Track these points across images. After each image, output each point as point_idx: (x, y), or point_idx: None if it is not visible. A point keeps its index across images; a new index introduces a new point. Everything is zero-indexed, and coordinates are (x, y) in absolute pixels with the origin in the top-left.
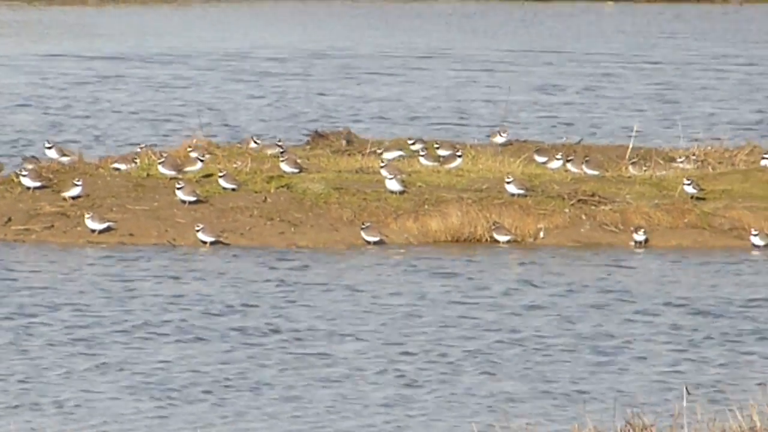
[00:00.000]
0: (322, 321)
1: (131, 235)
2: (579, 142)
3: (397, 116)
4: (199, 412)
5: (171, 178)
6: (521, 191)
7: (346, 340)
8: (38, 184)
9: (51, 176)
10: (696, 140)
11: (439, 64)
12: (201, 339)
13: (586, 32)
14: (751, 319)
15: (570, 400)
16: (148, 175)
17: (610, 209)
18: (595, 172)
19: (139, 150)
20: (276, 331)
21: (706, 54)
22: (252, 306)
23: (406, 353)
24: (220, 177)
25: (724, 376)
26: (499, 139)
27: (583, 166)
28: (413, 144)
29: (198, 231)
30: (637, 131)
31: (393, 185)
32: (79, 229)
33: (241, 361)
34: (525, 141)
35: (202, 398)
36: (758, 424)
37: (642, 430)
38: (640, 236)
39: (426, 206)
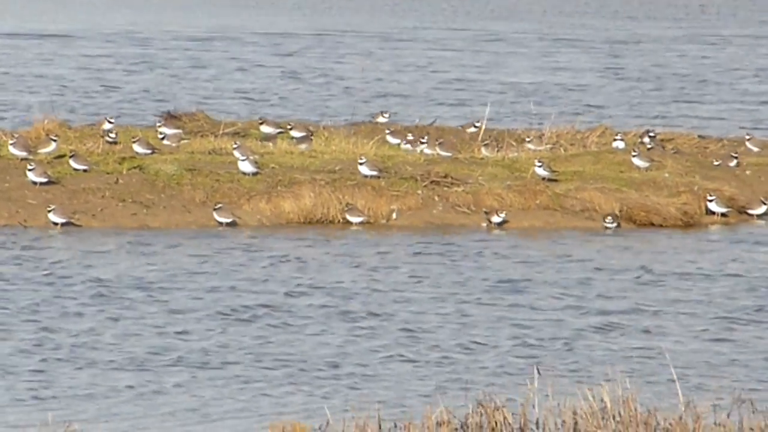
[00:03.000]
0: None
1: None
2: (432, 123)
3: (256, 97)
4: None
5: (22, 159)
6: (374, 172)
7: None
8: None
9: None
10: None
11: (296, 46)
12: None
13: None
14: (602, 300)
15: (423, 382)
16: None
17: (463, 191)
18: (448, 154)
19: None
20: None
21: (563, 34)
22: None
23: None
24: (71, 158)
25: (576, 357)
26: (382, 119)
27: (437, 148)
28: (262, 124)
29: (49, 212)
30: (488, 117)
31: (245, 166)
32: None
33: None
34: (376, 122)
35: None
36: (609, 404)
37: (494, 411)
38: (497, 218)
39: (279, 187)
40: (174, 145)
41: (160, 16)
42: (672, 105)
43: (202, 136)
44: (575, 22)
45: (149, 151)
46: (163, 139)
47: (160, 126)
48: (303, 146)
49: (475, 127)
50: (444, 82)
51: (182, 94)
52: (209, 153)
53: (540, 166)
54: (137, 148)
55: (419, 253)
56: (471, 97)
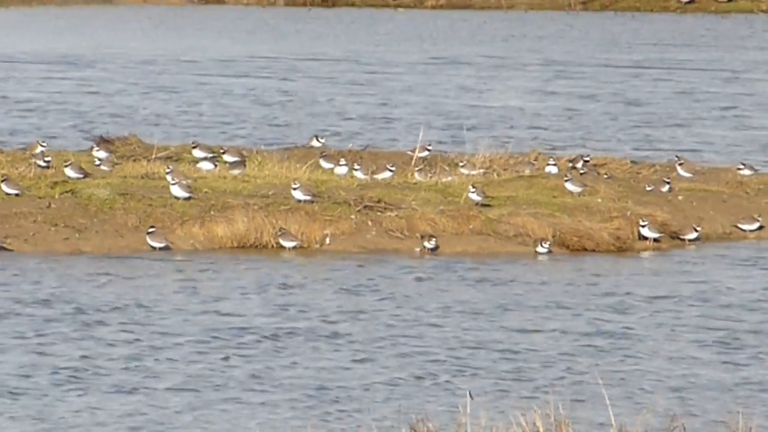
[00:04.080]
0: None
1: None
2: (365, 148)
3: (186, 122)
4: None
5: None
6: (307, 197)
7: None
8: None
9: None
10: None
11: (229, 71)
12: None
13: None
14: (534, 325)
15: (353, 404)
16: None
17: (396, 215)
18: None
19: None
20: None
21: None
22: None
23: None
24: (2, 182)
25: (509, 382)
26: (316, 144)
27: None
28: (195, 148)
29: None
30: (426, 143)
31: (178, 191)
32: None
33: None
34: (311, 147)
35: None
36: (541, 429)
37: None
38: (430, 244)
39: (212, 212)
40: (108, 169)
41: (101, 40)
42: (611, 130)
43: (134, 160)
44: (520, 47)
45: (81, 176)
46: (99, 164)
47: (95, 150)
48: (236, 171)
49: (428, 150)
50: (381, 105)
51: (116, 117)
52: (142, 177)
53: (473, 192)
54: (69, 172)
55: (350, 279)
56: (404, 119)
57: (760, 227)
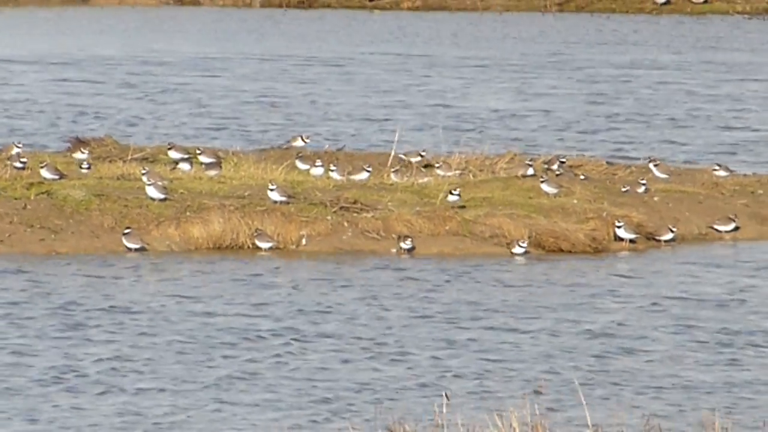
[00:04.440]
0: None
1: None
2: (341, 149)
3: (161, 123)
4: None
5: None
6: (284, 198)
7: None
8: None
9: None
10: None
11: (206, 72)
12: None
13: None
14: (512, 325)
15: (331, 405)
16: None
17: (372, 216)
18: (359, 178)
19: None
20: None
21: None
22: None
23: None
24: None
25: (487, 383)
26: (301, 143)
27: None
28: (171, 149)
29: None
30: (420, 149)
31: (153, 192)
32: None
33: None
34: (288, 147)
35: None
36: (517, 429)
37: None
38: (406, 245)
39: (188, 213)
40: (88, 171)
41: (77, 42)
42: (588, 131)
43: (110, 161)
44: (498, 48)
45: (57, 177)
46: (81, 165)
47: (71, 152)
48: (212, 172)
49: (421, 156)
50: (360, 106)
51: (93, 118)
52: (118, 178)
53: (454, 194)
54: (45, 173)
55: (328, 279)
56: (381, 120)
57: (736, 228)
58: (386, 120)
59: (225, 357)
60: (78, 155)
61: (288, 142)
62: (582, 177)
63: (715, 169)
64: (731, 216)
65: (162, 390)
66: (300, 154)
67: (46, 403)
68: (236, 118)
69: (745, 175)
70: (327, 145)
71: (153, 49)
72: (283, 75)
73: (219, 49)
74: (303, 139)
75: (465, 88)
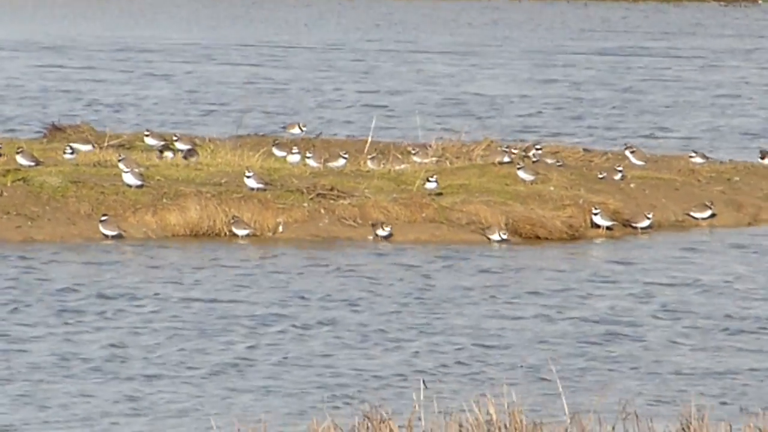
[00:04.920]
0: None
1: None
2: (318, 136)
3: (138, 110)
4: None
5: None
6: (260, 185)
7: None
8: None
9: None
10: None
11: (181, 58)
12: None
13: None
14: (489, 313)
15: (312, 393)
16: None
17: (349, 203)
18: (336, 165)
19: None
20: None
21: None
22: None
23: None
24: None
25: (463, 370)
26: (297, 131)
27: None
28: (147, 136)
29: None
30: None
31: (130, 179)
32: None
33: None
34: (264, 135)
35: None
36: (495, 416)
37: (379, 423)
38: (383, 232)
39: (164, 200)
40: (69, 157)
41: (50, 28)
42: (568, 118)
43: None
44: (479, 35)
45: (33, 163)
46: (65, 151)
47: (47, 139)
48: (189, 159)
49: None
50: (335, 90)
51: (71, 104)
52: (94, 165)
53: (432, 181)
54: (21, 160)
55: (306, 266)
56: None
57: (712, 215)
58: (373, 106)
59: (207, 344)
60: (74, 144)
61: (284, 128)
62: (558, 164)
63: (692, 156)
64: (707, 203)
65: (158, 376)
66: (276, 141)
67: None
68: (223, 104)
69: (721, 162)
70: (304, 131)
71: (128, 35)
72: (270, 61)
73: (205, 35)
74: (300, 127)
75: (446, 73)
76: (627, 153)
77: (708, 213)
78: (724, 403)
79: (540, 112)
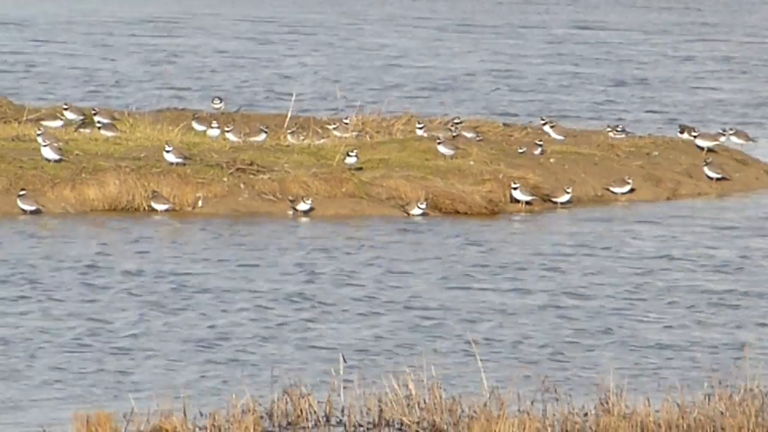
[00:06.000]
0: None
1: None
2: (238, 110)
3: (66, 84)
4: None
5: None
6: (180, 160)
7: None
8: None
9: None
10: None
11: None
12: None
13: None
14: (410, 290)
15: (229, 368)
16: None
17: (269, 178)
18: (257, 140)
19: None
20: None
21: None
22: None
23: None
24: None
25: (383, 345)
26: (216, 105)
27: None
28: (66, 110)
29: None
30: (296, 100)
31: (49, 153)
32: None
33: None
34: (183, 109)
35: None
36: (414, 392)
37: (299, 398)
38: (303, 206)
39: (83, 175)
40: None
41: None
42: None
43: (5, 122)
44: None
45: None
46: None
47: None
48: (108, 133)
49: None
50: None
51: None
52: (12, 140)
53: (352, 156)
54: None
55: (221, 238)
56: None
57: (631, 190)
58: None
59: (119, 316)
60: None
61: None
62: (478, 138)
63: (611, 131)
64: (626, 178)
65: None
66: (196, 116)
67: None
68: (142, 78)
69: (640, 136)
70: (222, 106)
71: (60, 7)
72: (236, 37)
73: (171, 10)
74: (214, 102)
75: (377, 45)
76: (546, 128)
77: (627, 188)
78: (637, 376)
79: (498, 89)
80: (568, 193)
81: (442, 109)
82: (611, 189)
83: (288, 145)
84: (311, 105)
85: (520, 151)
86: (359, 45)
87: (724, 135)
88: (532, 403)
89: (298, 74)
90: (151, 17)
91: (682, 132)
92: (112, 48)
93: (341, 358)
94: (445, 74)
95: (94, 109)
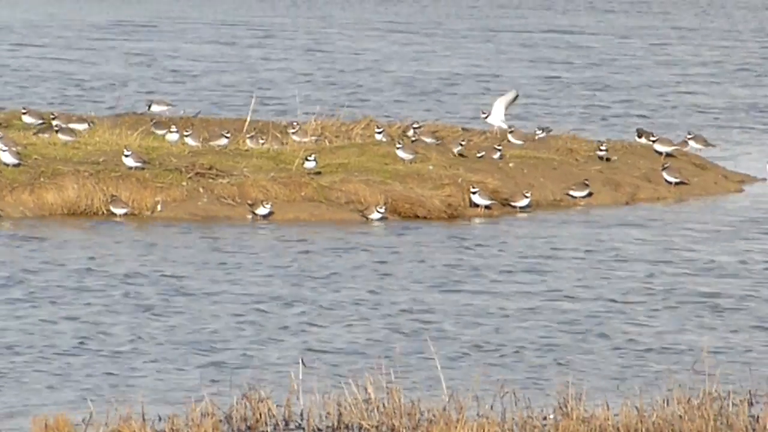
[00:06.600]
0: None
1: None
2: (197, 114)
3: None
4: None
5: None
6: (139, 164)
7: None
8: None
9: None
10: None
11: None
12: None
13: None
14: (361, 293)
15: (187, 374)
16: None
17: (228, 182)
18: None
19: None
20: None
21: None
22: None
23: None
24: None
25: (341, 347)
26: (156, 108)
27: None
28: (25, 114)
29: None
30: (254, 107)
31: (7, 157)
32: None
33: None
34: (142, 113)
35: None
36: (373, 395)
37: (258, 402)
38: (262, 210)
39: (42, 179)
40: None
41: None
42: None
43: None
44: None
45: None
46: None
47: None
48: (66, 137)
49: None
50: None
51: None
52: None
53: (311, 160)
54: None
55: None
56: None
57: (590, 194)
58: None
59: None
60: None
61: (149, 107)
62: (437, 143)
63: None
64: (585, 182)
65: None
66: (155, 120)
67: None
68: (99, 81)
69: (599, 141)
70: (182, 111)
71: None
72: (204, 41)
73: (139, 12)
74: (153, 106)
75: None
76: (507, 132)
77: (586, 192)
78: (598, 378)
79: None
80: (527, 197)
81: (430, 115)
82: (570, 193)
83: (247, 150)
84: (277, 108)
85: (479, 155)
86: (336, 49)
87: (688, 141)
88: (491, 406)
89: (270, 78)
90: (124, 20)
91: (640, 136)
92: (88, 51)
93: (300, 362)
94: (424, 78)
95: (52, 113)
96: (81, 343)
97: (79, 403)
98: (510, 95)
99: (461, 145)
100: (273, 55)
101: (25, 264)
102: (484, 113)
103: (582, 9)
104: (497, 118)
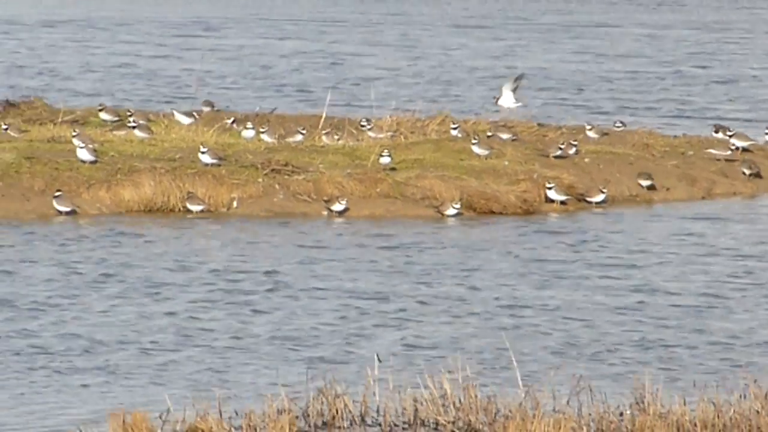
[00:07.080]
0: None
1: None
2: (272, 111)
3: (86, 86)
4: None
5: None
6: (215, 161)
7: None
8: None
9: None
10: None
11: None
12: None
13: None
14: (446, 289)
15: (262, 369)
16: None
17: (304, 179)
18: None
19: None
20: None
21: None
22: None
23: None
24: None
25: (419, 343)
26: (206, 109)
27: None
28: (102, 111)
29: None
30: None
31: (84, 154)
32: None
33: None
34: (219, 110)
35: None
36: (449, 391)
37: (334, 398)
38: (338, 206)
39: (119, 176)
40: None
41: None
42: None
43: (40, 124)
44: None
45: None
46: (7, 129)
47: (0, 116)
48: (143, 134)
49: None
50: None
51: (25, 80)
52: (48, 141)
53: (386, 156)
54: None
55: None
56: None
57: (652, 186)
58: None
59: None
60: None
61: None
62: (513, 138)
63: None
64: (647, 173)
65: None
66: (233, 117)
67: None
68: (172, 79)
69: (675, 136)
70: (258, 108)
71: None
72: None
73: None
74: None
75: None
76: (585, 128)
77: (649, 183)
78: (676, 379)
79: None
80: (603, 192)
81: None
82: (640, 183)
83: (322, 146)
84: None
85: (557, 153)
86: (423, 45)
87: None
88: (567, 402)
89: (346, 75)
90: (197, 18)
91: (716, 131)
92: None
93: (376, 358)
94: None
95: (129, 111)
96: (162, 336)
97: (155, 398)
98: (514, 76)
99: (560, 149)
100: (362, 51)
101: (115, 260)
102: (495, 98)
103: (668, 3)
104: (508, 100)
